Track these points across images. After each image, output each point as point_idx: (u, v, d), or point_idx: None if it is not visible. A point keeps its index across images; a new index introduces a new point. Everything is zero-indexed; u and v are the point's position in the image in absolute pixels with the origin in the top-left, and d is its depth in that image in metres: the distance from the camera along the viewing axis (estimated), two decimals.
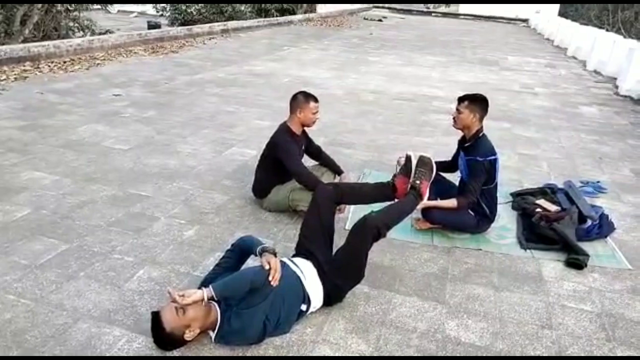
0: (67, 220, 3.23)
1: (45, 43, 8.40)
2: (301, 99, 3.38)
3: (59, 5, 9.50)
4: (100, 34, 10.60)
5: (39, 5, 8.94)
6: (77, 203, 3.47)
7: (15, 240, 2.95)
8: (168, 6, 15.17)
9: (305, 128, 3.55)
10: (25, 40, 8.80)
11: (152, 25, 13.57)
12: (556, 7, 25.11)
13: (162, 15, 15.40)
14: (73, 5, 10.04)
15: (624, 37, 12.19)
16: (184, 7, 14.91)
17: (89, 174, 3.97)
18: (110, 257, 2.85)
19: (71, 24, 10.30)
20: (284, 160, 3.35)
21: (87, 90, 6.66)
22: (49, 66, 7.83)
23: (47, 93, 6.35)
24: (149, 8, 17.86)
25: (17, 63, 7.64)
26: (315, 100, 3.40)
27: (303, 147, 3.58)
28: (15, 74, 7.13)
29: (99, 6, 12.24)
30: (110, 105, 6.02)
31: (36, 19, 9.08)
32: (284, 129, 3.44)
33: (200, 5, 14.88)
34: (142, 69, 8.33)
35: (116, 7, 18.00)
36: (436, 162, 3.00)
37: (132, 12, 19.17)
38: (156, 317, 2.11)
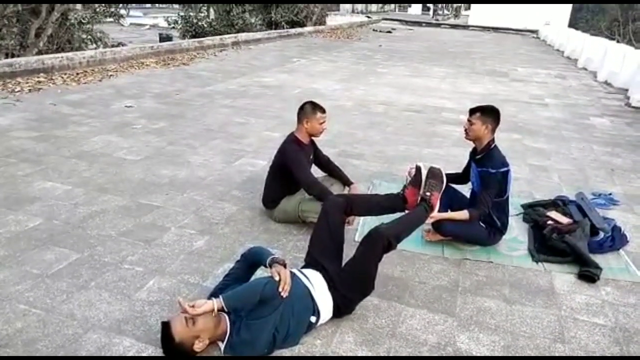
0: (78, 230, 3.25)
1: (59, 55, 8.53)
2: (308, 109, 3.39)
3: (72, 18, 9.66)
4: (112, 46, 10.77)
5: (53, 19, 9.09)
6: (88, 213, 3.50)
7: (27, 250, 2.97)
8: (179, 19, 15.39)
9: (314, 138, 3.56)
10: (39, 53, 8.95)
11: (164, 38, 13.77)
12: (566, 18, 25.14)
13: (173, 27, 15.63)
14: (86, 18, 10.21)
15: (635, 48, 12.13)
16: (195, 20, 15.11)
17: (100, 184, 4.01)
18: (121, 267, 2.86)
19: (84, 36, 10.47)
20: (292, 170, 3.35)
21: (100, 101, 6.74)
22: (63, 78, 7.94)
23: (61, 104, 6.44)
24: (160, 20, 18.12)
25: (31, 75, 7.76)
26: (323, 110, 3.41)
27: (311, 157, 3.59)
28: (29, 86, 7.24)
29: (111, 19, 12.41)
30: (122, 116, 6.09)
31: (50, 31, 9.23)
32: (291, 139, 3.45)
33: (211, 17, 15.07)
34: (153, 80, 8.42)
35: (128, 19, 18.26)
36: (447, 174, 2.99)
37: (144, 24, 19.46)
38: (166, 327, 2.11)
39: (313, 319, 2.36)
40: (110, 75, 8.58)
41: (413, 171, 2.98)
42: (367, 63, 12.22)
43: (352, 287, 2.48)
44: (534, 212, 3.80)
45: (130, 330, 2.35)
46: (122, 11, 13.86)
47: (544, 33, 24.63)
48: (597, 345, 2.46)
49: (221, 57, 11.66)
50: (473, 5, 31.42)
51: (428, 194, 2.85)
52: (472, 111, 3.21)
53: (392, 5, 53.78)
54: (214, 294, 2.31)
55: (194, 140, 5.33)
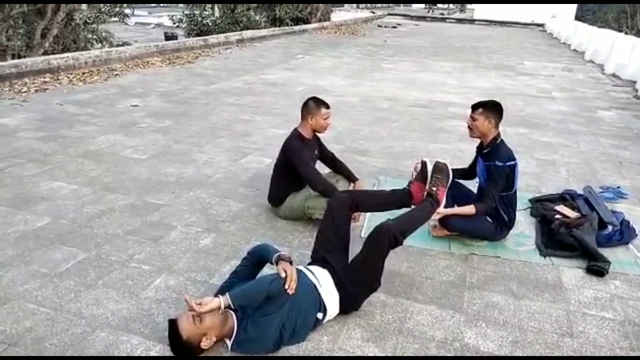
0: (85, 229, 3.27)
1: (65, 55, 8.56)
2: (312, 105, 3.38)
3: (78, 18, 9.69)
4: (118, 45, 10.80)
5: (59, 19, 9.13)
6: (95, 212, 3.52)
7: (35, 249, 2.99)
8: (184, 17, 15.42)
9: (319, 134, 3.56)
10: (45, 53, 9.00)
11: (169, 37, 13.79)
12: (572, 11, 24.92)
13: (178, 26, 15.65)
14: (91, 17, 10.24)
15: None
16: (199, 18, 15.13)
17: (107, 183, 4.03)
18: (128, 266, 2.87)
19: (90, 36, 10.50)
20: (297, 166, 3.35)
21: (106, 101, 6.77)
22: (68, 78, 7.98)
23: (67, 104, 6.47)
24: (165, 19, 18.17)
25: (37, 75, 7.80)
26: (327, 106, 3.39)
27: (316, 153, 3.58)
28: (35, 86, 7.28)
29: (116, 18, 12.46)
30: (128, 115, 6.11)
31: (56, 32, 9.27)
32: (295, 135, 3.45)
33: (216, 16, 15.08)
34: (159, 79, 8.44)
35: (133, 19, 18.32)
36: (453, 169, 2.97)
37: (149, 23, 19.50)
38: (173, 325, 2.12)
39: (320, 315, 2.36)
40: (116, 74, 8.60)
41: (419, 166, 2.96)
42: (372, 59, 12.18)
43: (359, 283, 2.48)
44: (541, 207, 3.78)
45: (138, 328, 2.36)
46: (127, 10, 13.90)
47: (550, 26, 24.45)
48: (606, 339, 2.44)
49: (226, 55, 11.66)
50: (474, 5, 31.28)
51: (434, 189, 2.84)
52: (475, 107, 3.19)
53: None
54: (220, 292, 2.31)
55: (199, 138, 5.34)
